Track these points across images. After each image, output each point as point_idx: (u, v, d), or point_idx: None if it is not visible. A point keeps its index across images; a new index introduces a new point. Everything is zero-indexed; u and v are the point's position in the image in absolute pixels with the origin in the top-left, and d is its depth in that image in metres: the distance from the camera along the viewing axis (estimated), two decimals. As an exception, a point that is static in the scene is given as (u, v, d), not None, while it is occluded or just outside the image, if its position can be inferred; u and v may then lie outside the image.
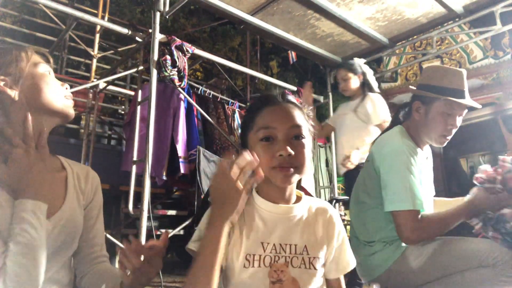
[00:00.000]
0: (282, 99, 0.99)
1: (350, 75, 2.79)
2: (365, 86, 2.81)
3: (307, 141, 0.95)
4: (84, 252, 1.05)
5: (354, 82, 2.80)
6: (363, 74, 2.81)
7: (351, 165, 2.48)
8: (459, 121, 1.60)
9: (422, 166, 1.58)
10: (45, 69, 1.00)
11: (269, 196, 0.97)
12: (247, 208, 0.95)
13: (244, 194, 0.84)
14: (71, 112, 1.02)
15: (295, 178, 0.93)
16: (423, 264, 1.40)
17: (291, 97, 1.02)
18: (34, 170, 0.88)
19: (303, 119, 0.97)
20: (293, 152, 0.90)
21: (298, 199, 1.02)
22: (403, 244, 1.47)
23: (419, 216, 1.43)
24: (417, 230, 1.40)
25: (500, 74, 7.17)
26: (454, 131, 1.60)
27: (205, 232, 0.84)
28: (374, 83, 2.87)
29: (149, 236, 2.53)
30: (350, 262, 1.02)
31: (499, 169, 1.42)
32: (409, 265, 1.43)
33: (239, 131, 3.88)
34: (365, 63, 2.89)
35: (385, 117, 2.67)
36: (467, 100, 1.58)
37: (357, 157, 2.49)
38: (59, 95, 1.00)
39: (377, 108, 2.69)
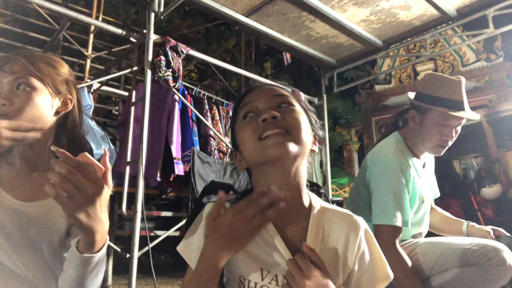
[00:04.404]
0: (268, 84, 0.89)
1: None
2: None
3: (299, 110, 0.81)
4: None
5: None
6: None
7: None
8: (456, 131, 1.56)
9: (419, 173, 1.58)
10: None
11: None
12: None
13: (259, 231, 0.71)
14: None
15: (292, 147, 0.73)
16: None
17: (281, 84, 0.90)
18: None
19: (293, 97, 0.84)
20: (278, 114, 0.76)
21: (309, 205, 0.82)
22: None
23: (400, 234, 1.43)
24: (390, 250, 1.37)
25: (493, 77, 7.25)
26: (450, 142, 1.56)
27: (200, 263, 0.71)
28: None
29: (143, 237, 2.51)
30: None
31: None
32: None
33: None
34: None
35: None
36: (463, 113, 1.52)
37: None
38: None
39: None
